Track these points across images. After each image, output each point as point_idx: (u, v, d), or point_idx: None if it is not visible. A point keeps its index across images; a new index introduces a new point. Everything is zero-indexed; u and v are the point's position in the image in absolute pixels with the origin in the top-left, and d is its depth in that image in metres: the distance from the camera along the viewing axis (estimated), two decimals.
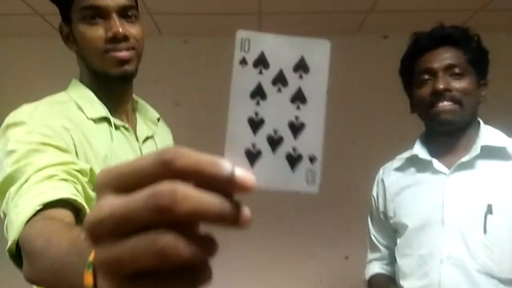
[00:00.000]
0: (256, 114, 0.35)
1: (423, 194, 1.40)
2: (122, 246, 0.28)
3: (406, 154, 1.48)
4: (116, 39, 1.02)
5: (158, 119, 1.25)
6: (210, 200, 0.29)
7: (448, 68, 1.33)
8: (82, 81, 1.11)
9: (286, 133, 0.35)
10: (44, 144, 0.88)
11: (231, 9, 2.50)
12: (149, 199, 0.28)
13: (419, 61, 1.39)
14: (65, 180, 0.83)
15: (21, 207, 0.78)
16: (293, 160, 0.34)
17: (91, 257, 0.36)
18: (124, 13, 1.04)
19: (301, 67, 0.35)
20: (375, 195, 1.56)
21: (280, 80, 0.35)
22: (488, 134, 1.36)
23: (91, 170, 0.92)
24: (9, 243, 0.77)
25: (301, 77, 0.35)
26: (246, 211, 0.30)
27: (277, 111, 0.35)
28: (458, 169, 1.35)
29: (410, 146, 1.47)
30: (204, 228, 0.31)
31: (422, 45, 1.39)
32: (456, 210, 1.32)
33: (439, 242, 1.32)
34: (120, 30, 1.01)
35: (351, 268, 2.50)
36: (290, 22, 2.62)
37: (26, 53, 2.77)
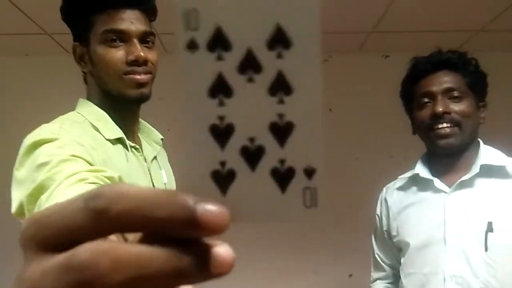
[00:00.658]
0: (221, 118, 0.24)
1: (424, 212, 1.41)
2: None
3: (408, 174, 1.51)
4: (137, 63, 1.05)
5: (162, 139, 1.26)
6: (158, 257, 0.21)
7: (447, 92, 1.36)
8: (91, 101, 1.11)
9: (267, 139, 0.24)
10: (75, 156, 0.89)
11: None
12: (63, 276, 0.20)
13: (418, 85, 1.41)
14: (96, 184, 0.83)
15: None
16: (282, 176, 0.24)
17: None
18: (143, 38, 1.07)
19: (279, 40, 0.24)
20: (379, 214, 1.57)
21: (249, 64, 0.24)
22: (488, 154, 1.38)
23: (120, 178, 0.91)
24: None
25: (279, 56, 0.24)
26: (221, 251, 0.21)
27: (250, 111, 0.24)
28: (458, 187, 1.37)
29: (412, 165, 1.49)
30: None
31: (421, 70, 1.41)
32: (457, 228, 1.33)
33: (442, 261, 1.33)
34: (142, 54, 1.04)
35: (355, 286, 2.49)
36: None
37: (33, 71, 2.82)
